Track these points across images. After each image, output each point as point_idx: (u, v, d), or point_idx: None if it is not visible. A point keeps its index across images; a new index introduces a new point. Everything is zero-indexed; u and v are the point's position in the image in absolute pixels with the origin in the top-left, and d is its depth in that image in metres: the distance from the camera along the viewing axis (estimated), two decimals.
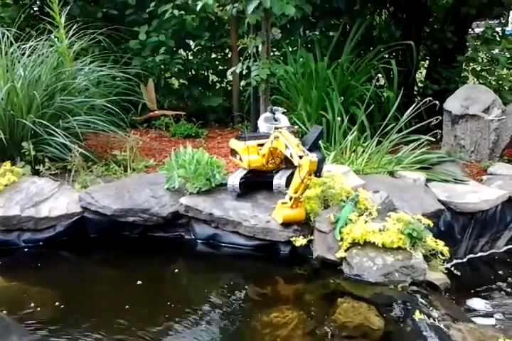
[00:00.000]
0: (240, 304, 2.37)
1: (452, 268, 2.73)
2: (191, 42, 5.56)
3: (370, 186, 3.05)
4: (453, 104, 4.22)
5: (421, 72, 5.80)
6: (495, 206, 3.36)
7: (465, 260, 3.33)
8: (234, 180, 3.03)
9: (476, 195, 3.34)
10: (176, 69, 5.23)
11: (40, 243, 3.00)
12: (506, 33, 5.38)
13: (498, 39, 5.12)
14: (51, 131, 3.48)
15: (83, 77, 4.06)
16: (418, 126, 3.90)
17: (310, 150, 2.61)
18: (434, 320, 2.09)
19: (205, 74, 5.72)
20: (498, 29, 5.23)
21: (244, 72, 4.02)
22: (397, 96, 4.18)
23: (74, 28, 4.25)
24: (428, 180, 3.53)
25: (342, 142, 3.84)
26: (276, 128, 2.90)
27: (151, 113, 4.92)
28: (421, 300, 2.29)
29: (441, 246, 2.58)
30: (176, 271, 2.73)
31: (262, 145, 3.02)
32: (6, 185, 3.17)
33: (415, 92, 5.45)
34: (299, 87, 4.59)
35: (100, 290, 2.59)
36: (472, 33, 5.54)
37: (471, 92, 4.24)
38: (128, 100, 4.38)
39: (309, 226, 2.80)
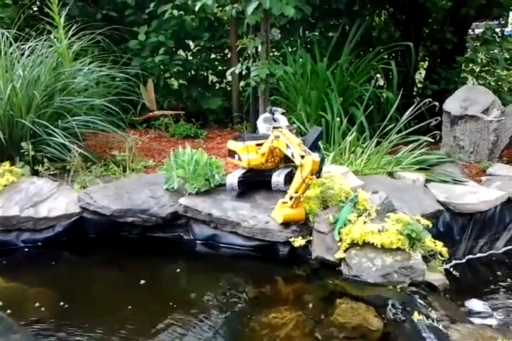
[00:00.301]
0: (238, 305, 2.36)
1: (451, 269, 2.72)
2: (191, 43, 5.56)
3: (369, 187, 3.05)
4: (452, 104, 4.22)
5: (420, 73, 5.79)
6: (494, 207, 3.35)
7: (464, 261, 3.33)
8: (232, 178, 3.03)
9: (475, 196, 3.33)
10: (175, 70, 5.23)
11: (39, 243, 3.00)
12: (506, 33, 5.38)
13: (498, 40, 5.12)
14: (50, 131, 3.48)
15: (82, 78, 4.06)
16: (417, 126, 3.89)
17: (309, 150, 2.61)
18: (433, 321, 2.09)
19: (205, 74, 5.72)
20: (497, 30, 5.23)
21: (243, 73, 4.02)
22: (396, 96, 4.17)
23: (73, 28, 4.26)
24: (427, 181, 3.53)
25: (341, 143, 3.83)
26: (275, 128, 2.90)
27: (151, 113, 4.91)
28: (420, 300, 2.28)
29: (440, 246, 2.58)
30: (178, 270, 2.72)
31: (260, 145, 3.03)
32: (5, 186, 3.17)
33: (414, 93, 5.45)
34: (299, 88, 4.59)
35: (100, 290, 2.59)
36: (472, 34, 5.55)
37: (470, 93, 4.24)
38: (127, 100, 4.38)
39: (308, 227, 2.80)
